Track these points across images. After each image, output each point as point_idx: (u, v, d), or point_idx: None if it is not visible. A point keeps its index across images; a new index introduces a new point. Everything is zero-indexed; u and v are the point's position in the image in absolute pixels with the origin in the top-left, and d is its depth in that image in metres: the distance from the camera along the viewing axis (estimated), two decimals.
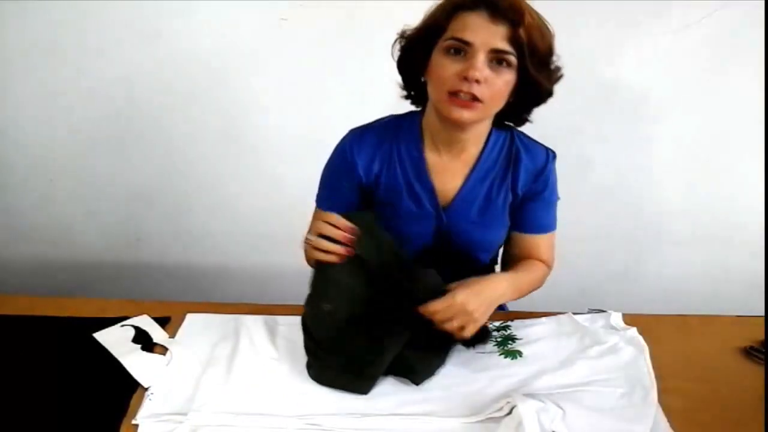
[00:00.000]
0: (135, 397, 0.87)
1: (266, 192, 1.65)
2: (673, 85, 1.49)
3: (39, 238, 1.77)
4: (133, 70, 1.48)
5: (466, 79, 0.82)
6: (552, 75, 0.91)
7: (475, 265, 1.06)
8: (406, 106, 1.04)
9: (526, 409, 0.79)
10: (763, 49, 1.40)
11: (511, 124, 1.00)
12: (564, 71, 0.91)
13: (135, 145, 1.60)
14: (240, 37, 1.44)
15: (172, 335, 1.01)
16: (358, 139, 1.00)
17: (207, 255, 1.78)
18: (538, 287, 1.08)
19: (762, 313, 1.09)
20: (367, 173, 1.00)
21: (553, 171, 1.03)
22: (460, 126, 0.91)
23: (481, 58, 0.82)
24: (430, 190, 0.99)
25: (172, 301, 1.11)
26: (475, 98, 0.84)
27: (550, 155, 1.02)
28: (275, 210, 1.66)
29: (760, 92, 1.46)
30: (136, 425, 0.81)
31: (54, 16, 1.42)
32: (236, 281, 1.82)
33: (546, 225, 1.06)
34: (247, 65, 1.47)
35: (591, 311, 1.06)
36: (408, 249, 0.99)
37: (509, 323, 1.04)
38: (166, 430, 0.81)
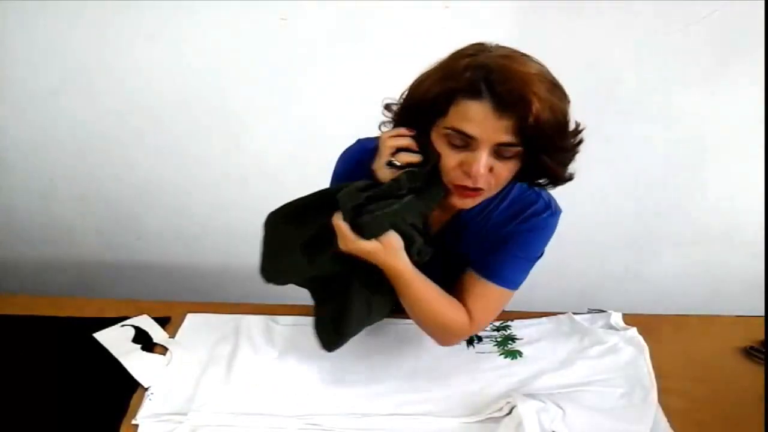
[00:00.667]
0: (135, 397, 0.87)
1: (266, 192, 1.64)
2: (673, 85, 1.49)
3: (39, 238, 1.76)
4: (133, 70, 1.48)
5: (467, 173, 0.76)
6: (566, 156, 0.81)
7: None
8: None
9: (526, 409, 0.79)
10: (763, 49, 1.40)
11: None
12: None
13: (135, 145, 1.60)
14: (240, 37, 1.44)
15: (172, 335, 1.01)
16: (363, 151, 0.93)
17: (207, 255, 1.78)
18: (440, 335, 0.90)
19: (762, 313, 1.09)
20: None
21: (548, 227, 0.90)
22: (459, 208, 0.84)
23: (485, 152, 0.75)
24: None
25: (172, 301, 1.11)
26: (478, 188, 0.78)
27: (551, 208, 0.91)
28: None
29: (760, 92, 1.46)
30: (136, 425, 0.82)
31: (54, 16, 1.42)
32: (236, 281, 1.82)
33: (505, 275, 0.89)
34: (247, 65, 1.47)
35: (591, 311, 1.06)
36: None
37: (509, 323, 1.04)
38: (166, 430, 0.81)
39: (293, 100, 1.52)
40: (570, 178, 0.83)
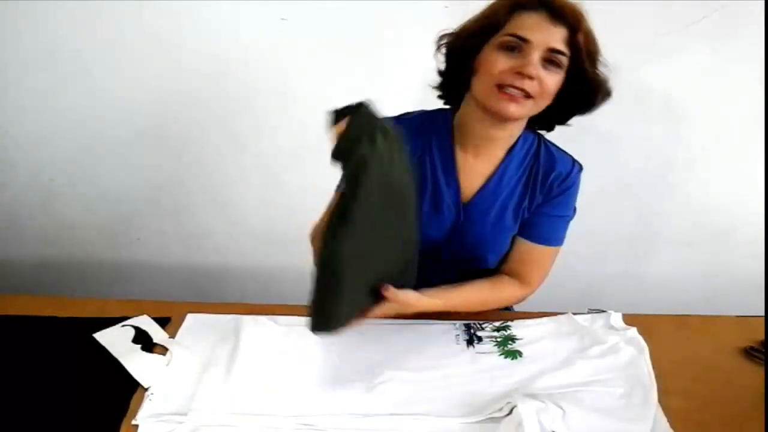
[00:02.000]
0: (135, 397, 0.87)
1: (266, 192, 1.65)
2: (672, 85, 1.49)
3: (39, 238, 1.76)
4: (133, 70, 1.48)
5: (519, 74, 0.84)
6: (597, 87, 0.92)
7: (481, 266, 1.05)
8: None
9: (526, 409, 0.79)
10: (763, 49, 1.40)
11: (541, 130, 1.00)
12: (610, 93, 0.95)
13: (135, 145, 1.60)
14: (240, 37, 1.44)
15: (172, 335, 1.01)
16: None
17: (207, 255, 1.78)
18: (499, 306, 1.06)
19: (762, 313, 1.09)
20: None
21: (575, 183, 1.01)
22: (503, 120, 0.91)
23: (536, 56, 0.84)
24: (456, 186, 0.99)
25: (172, 301, 1.11)
26: (525, 95, 0.86)
27: (576, 167, 1.01)
28: (276, 210, 1.66)
29: (760, 92, 1.46)
30: (136, 425, 0.81)
31: (54, 16, 1.42)
32: (236, 281, 1.82)
33: (552, 237, 1.03)
34: (247, 65, 1.47)
35: (591, 311, 1.06)
36: (420, 244, 0.94)
37: (509, 323, 1.04)
38: (166, 430, 0.81)
39: (293, 100, 1.52)
40: (595, 105, 0.94)
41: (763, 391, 0.88)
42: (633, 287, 1.80)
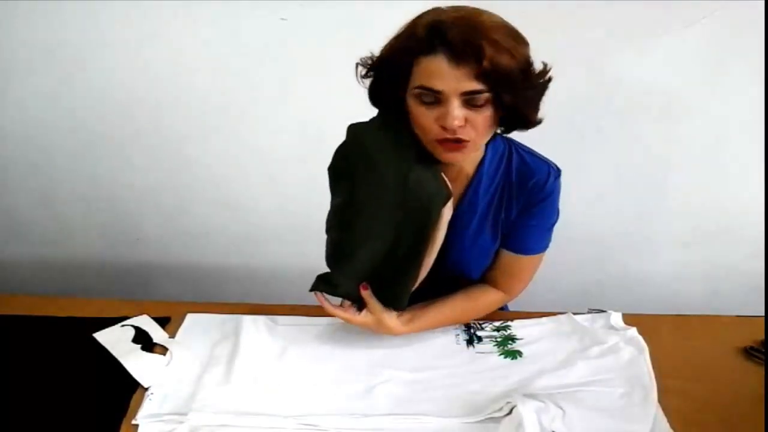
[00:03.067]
0: (135, 397, 0.87)
1: (266, 192, 1.65)
2: (672, 85, 1.49)
3: (39, 238, 1.76)
4: (133, 70, 1.48)
5: (445, 128, 0.79)
6: (534, 95, 0.83)
7: (465, 280, 1.03)
8: None
9: (526, 409, 0.79)
10: (763, 49, 1.40)
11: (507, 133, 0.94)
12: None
13: (135, 145, 1.60)
14: (240, 37, 1.44)
15: (172, 335, 1.01)
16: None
17: (207, 255, 1.78)
18: (483, 314, 1.05)
19: (762, 313, 1.09)
20: None
21: (555, 190, 0.95)
22: (451, 163, 0.89)
23: (455, 104, 0.77)
24: None
25: (172, 301, 1.11)
26: (461, 140, 0.80)
27: (552, 173, 0.94)
28: (275, 210, 1.66)
29: (760, 92, 1.46)
30: (136, 425, 0.81)
31: (54, 16, 1.42)
32: (236, 281, 1.82)
33: (532, 246, 0.98)
34: (247, 65, 1.47)
35: (591, 311, 1.06)
36: None
37: (509, 323, 1.04)
38: (166, 430, 0.81)
39: (293, 99, 1.52)
40: (539, 121, 0.86)
41: (763, 391, 0.88)
42: (633, 287, 1.80)
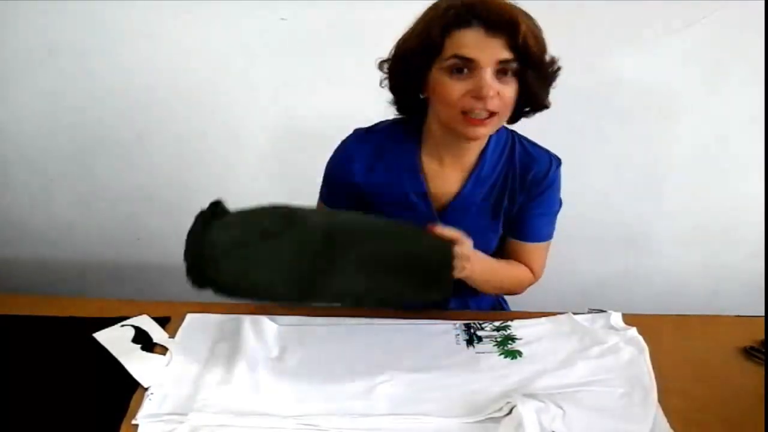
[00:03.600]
0: (135, 397, 0.87)
1: (266, 192, 1.64)
2: (673, 85, 1.49)
3: (39, 238, 1.77)
4: (133, 70, 1.48)
5: (477, 97, 0.82)
6: (549, 79, 0.89)
7: None
8: None
9: (526, 409, 0.79)
10: (763, 49, 1.40)
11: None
12: (563, 69, 0.90)
13: (135, 145, 1.60)
14: (240, 37, 1.44)
15: (172, 335, 1.01)
16: (358, 145, 1.00)
17: None
18: (516, 290, 1.08)
19: (762, 313, 1.09)
20: (367, 180, 0.99)
21: (557, 179, 1.00)
22: (473, 140, 0.91)
23: (488, 73, 0.81)
24: (424, 196, 0.99)
25: (172, 301, 1.11)
26: (489, 114, 0.84)
27: (554, 162, 1.00)
28: None
29: (760, 92, 1.46)
30: (136, 425, 0.81)
31: (54, 16, 1.42)
32: None
33: (540, 234, 1.04)
34: (247, 65, 1.47)
35: (591, 311, 1.06)
36: None
37: (509, 323, 1.04)
38: (166, 430, 0.81)
39: (294, 99, 1.52)
40: (549, 105, 0.92)
41: (763, 391, 0.88)
42: (633, 287, 1.81)
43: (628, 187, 1.65)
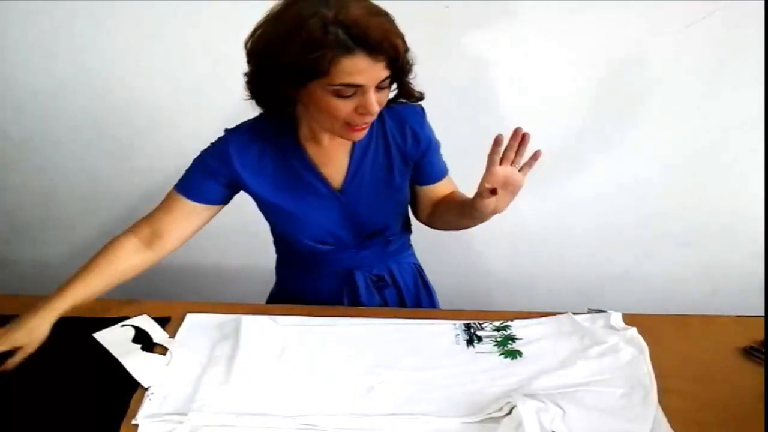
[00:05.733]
0: (135, 397, 0.87)
1: None
2: (673, 85, 1.49)
3: (39, 238, 1.76)
4: (133, 70, 1.48)
5: (363, 114, 0.88)
6: (411, 68, 0.94)
7: (390, 235, 1.11)
8: None
9: (526, 409, 0.79)
10: (763, 49, 1.40)
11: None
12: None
13: (135, 145, 1.60)
14: (241, 37, 1.44)
15: (172, 335, 1.01)
16: (238, 138, 1.03)
17: (207, 255, 1.78)
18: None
19: (762, 313, 1.09)
20: (251, 171, 1.03)
21: (426, 122, 1.06)
22: (356, 140, 0.98)
23: (373, 93, 0.87)
24: (319, 178, 1.03)
25: (172, 301, 1.11)
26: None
27: (419, 109, 1.05)
28: None
29: (760, 92, 1.46)
30: (136, 425, 0.81)
31: (54, 16, 1.42)
32: (236, 281, 1.82)
33: (443, 169, 1.11)
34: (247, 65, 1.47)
35: (591, 311, 1.06)
36: (324, 234, 1.07)
37: (509, 323, 1.04)
38: (166, 430, 0.81)
39: None
40: (422, 96, 0.99)
41: (763, 391, 0.88)
42: (633, 287, 1.80)
43: (628, 187, 1.65)
